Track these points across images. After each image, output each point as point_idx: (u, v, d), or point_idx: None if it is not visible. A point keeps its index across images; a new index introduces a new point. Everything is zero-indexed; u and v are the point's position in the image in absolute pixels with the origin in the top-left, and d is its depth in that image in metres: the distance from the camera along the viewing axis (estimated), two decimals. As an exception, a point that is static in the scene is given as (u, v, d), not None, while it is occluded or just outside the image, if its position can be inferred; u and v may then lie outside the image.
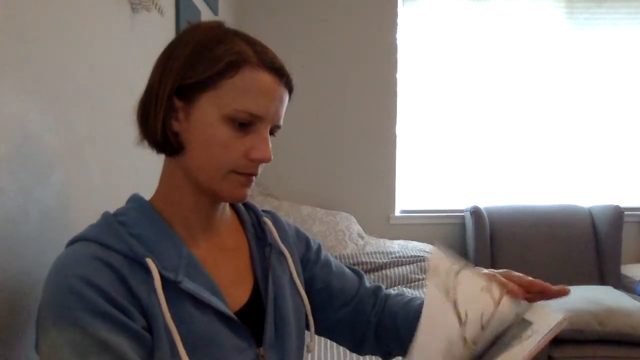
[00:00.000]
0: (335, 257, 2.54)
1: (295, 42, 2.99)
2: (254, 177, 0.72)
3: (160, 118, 0.70)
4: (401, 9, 3.01)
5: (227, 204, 0.82)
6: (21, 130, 0.86)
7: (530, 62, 3.05)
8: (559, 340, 2.19)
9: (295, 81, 0.75)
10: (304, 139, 3.01)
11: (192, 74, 0.68)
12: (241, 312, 0.74)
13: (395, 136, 3.04)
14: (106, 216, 0.71)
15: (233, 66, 0.68)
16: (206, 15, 2.17)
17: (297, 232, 0.92)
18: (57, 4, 0.97)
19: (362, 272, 0.94)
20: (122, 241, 0.66)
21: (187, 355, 0.63)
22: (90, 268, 0.62)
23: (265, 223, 0.85)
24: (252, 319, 0.75)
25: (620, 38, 3.05)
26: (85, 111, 1.08)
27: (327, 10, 3.00)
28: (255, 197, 2.90)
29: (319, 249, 0.93)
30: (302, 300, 0.83)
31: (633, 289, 2.66)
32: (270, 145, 0.73)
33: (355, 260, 2.54)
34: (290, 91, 0.75)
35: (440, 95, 3.08)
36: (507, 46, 3.04)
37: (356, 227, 2.83)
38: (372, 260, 2.56)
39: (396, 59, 3.00)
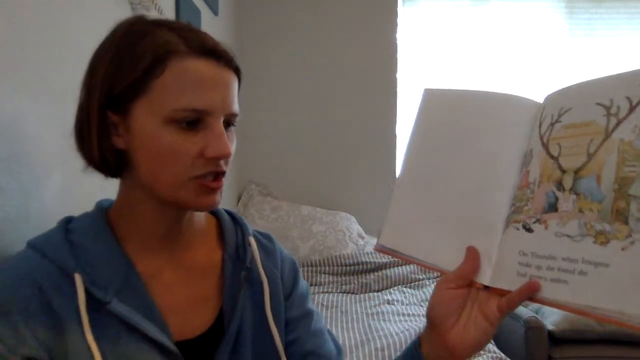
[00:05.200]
0: (336, 257, 2.57)
1: (295, 42, 2.99)
2: (220, 181, 0.63)
3: (94, 138, 0.62)
4: (401, 9, 3.00)
5: (201, 217, 0.74)
6: (21, 130, 0.85)
7: (530, 62, 3.04)
8: (558, 340, 2.19)
9: (238, 59, 0.65)
10: (303, 139, 3.00)
11: (117, 81, 0.60)
12: (198, 340, 0.67)
13: (395, 136, 3.04)
14: (62, 220, 0.67)
15: (158, 62, 0.59)
16: (206, 15, 2.17)
17: (293, 265, 0.80)
18: (56, 3, 0.97)
19: (342, 349, 0.82)
20: (58, 250, 0.62)
21: None
22: (12, 295, 0.58)
23: (249, 244, 0.74)
24: (209, 349, 0.67)
25: (620, 39, 3.04)
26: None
27: (327, 10, 3.00)
28: (255, 197, 2.90)
29: (305, 295, 0.81)
30: (271, 337, 0.71)
31: (633, 289, 2.66)
32: (233, 139, 0.65)
33: (355, 260, 2.54)
34: (236, 72, 0.65)
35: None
36: (507, 46, 3.04)
37: (356, 227, 2.83)
38: (372, 260, 2.56)
39: (396, 59, 3.00)
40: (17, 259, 0.62)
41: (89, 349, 0.58)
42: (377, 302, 2.24)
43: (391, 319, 2.02)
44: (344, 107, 3.02)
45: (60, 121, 0.98)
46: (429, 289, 2.42)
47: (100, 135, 0.63)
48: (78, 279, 0.60)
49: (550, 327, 2.19)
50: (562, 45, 3.04)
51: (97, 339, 0.59)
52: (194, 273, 0.70)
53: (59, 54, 0.98)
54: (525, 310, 2.24)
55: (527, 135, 0.62)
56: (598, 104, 0.54)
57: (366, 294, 2.34)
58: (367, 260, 2.55)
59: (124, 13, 1.31)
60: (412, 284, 2.52)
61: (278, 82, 2.92)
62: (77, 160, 1.05)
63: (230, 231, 0.75)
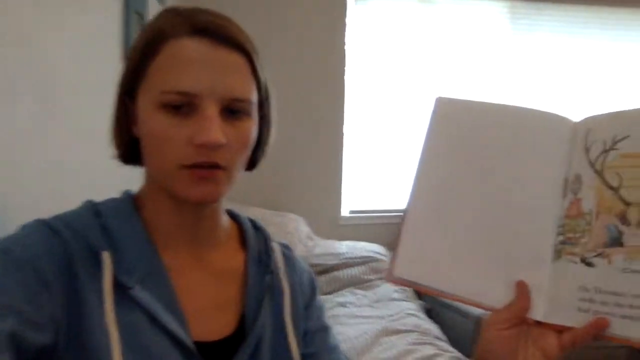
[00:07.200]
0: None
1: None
2: (215, 170, 0.59)
3: (116, 127, 0.63)
4: (351, 8, 2.99)
5: (226, 219, 0.72)
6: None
7: (475, 62, 3.12)
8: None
9: (245, 37, 0.61)
10: (250, 138, 2.92)
11: (128, 69, 0.61)
12: (218, 344, 0.63)
13: (342, 135, 3.02)
14: (86, 203, 0.64)
15: (153, 44, 0.58)
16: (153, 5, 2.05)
17: (311, 276, 0.80)
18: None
19: None
20: (88, 227, 0.59)
21: None
22: (41, 240, 0.55)
23: (272, 250, 0.74)
24: (229, 353, 0.64)
25: (559, 43, 3.17)
26: (27, 108, 0.99)
27: (275, 8, 2.94)
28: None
29: (322, 308, 0.80)
30: (289, 345, 0.69)
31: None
32: (243, 127, 0.61)
33: (305, 262, 2.50)
34: (244, 52, 0.60)
35: (389, 94, 3.09)
36: (453, 46, 3.10)
37: (305, 229, 2.79)
38: (322, 262, 2.54)
39: (345, 57, 2.98)
40: (43, 223, 0.58)
41: (107, 332, 0.55)
42: (329, 304, 2.21)
43: (347, 322, 2.00)
44: (291, 105, 2.97)
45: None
46: (380, 289, 2.42)
47: (121, 124, 0.63)
48: (106, 258, 0.57)
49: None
50: (505, 47, 3.15)
51: (117, 324, 0.55)
52: (217, 275, 0.68)
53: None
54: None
55: (566, 157, 0.59)
56: None
57: (318, 297, 2.30)
58: (317, 262, 2.52)
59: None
60: (363, 284, 2.51)
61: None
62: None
63: (252, 236, 0.74)
